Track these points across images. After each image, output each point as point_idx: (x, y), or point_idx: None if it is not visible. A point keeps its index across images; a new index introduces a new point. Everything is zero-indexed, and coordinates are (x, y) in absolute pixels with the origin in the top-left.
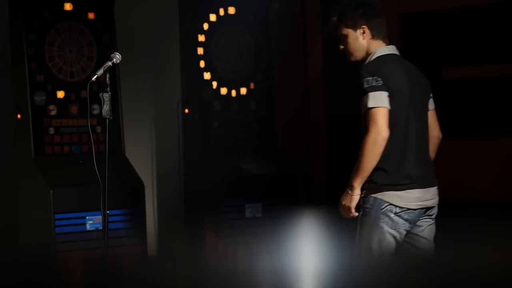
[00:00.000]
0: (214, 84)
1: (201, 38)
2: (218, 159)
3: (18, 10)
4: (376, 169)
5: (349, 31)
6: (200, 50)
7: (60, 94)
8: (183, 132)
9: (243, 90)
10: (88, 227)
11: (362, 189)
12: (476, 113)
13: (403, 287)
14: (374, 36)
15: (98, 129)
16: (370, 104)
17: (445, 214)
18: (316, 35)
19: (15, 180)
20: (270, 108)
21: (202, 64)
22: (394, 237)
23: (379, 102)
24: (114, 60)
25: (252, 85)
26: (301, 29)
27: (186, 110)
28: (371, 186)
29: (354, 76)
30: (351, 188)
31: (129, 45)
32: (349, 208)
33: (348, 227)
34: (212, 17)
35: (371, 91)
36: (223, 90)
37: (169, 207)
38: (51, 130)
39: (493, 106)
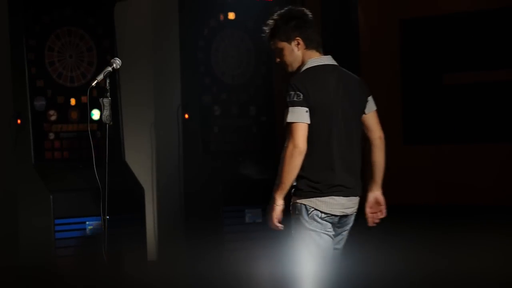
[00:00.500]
0: (214, 89)
1: (201, 43)
2: (218, 164)
3: (18, 15)
4: (302, 177)
5: (284, 44)
6: (200, 55)
7: (60, 99)
8: (183, 137)
9: (243, 95)
10: (88, 232)
11: (290, 197)
12: (476, 118)
13: None
14: (307, 46)
15: (98, 134)
16: (288, 119)
17: (445, 217)
18: None
19: (15, 185)
20: (270, 113)
21: (202, 69)
22: (325, 240)
23: (298, 117)
24: (114, 65)
25: (252, 90)
26: None
27: (186, 115)
28: (297, 193)
29: None
30: (273, 199)
31: (129, 50)
32: (271, 218)
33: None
34: (212, 22)
35: (291, 106)
36: (223, 95)
37: (169, 212)
38: (51, 135)
39: (493, 112)
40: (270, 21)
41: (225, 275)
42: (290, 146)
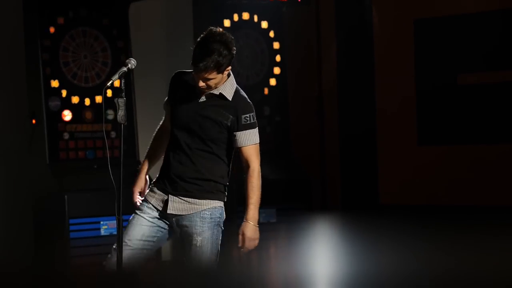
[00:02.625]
0: None
1: None
2: (231, 164)
3: (33, 16)
4: (223, 182)
5: (219, 75)
6: None
7: (75, 99)
8: None
9: (257, 96)
10: (102, 232)
11: (206, 200)
12: (490, 118)
13: None
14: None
15: (113, 134)
16: (258, 139)
17: (459, 218)
18: (330, 41)
19: (30, 185)
20: (284, 113)
21: None
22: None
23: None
24: (129, 65)
25: (266, 91)
26: (315, 34)
27: None
28: (221, 197)
29: (368, 83)
30: (258, 221)
31: (144, 50)
32: (257, 239)
33: (361, 232)
34: (226, 23)
35: (256, 127)
36: None
37: None
38: (66, 135)
39: (508, 112)
40: (215, 56)
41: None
42: (259, 165)
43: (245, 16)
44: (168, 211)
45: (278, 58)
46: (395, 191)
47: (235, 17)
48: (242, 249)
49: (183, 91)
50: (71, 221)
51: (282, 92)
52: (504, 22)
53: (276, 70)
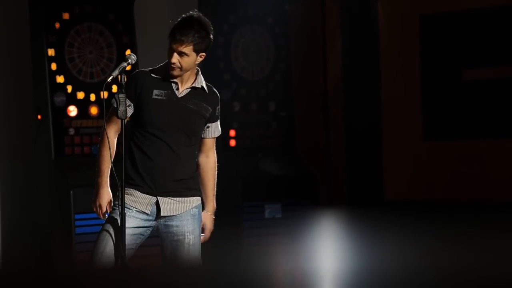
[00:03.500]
0: (234, 85)
1: (221, 39)
2: (237, 160)
3: (39, 11)
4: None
5: (193, 54)
6: (219, 51)
7: (80, 95)
8: None
9: (263, 91)
10: None
11: (193, 197)
12: (496, 114)
13: None
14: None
15: None
16: (220, 131)
17: (465, 213)
18: (335, 36)
19: (35, 181)
20: (290, 109)
21: (221, 65)
22: None
23: None
24: (130, 60)
25: (271, 86)
26: (321, 30)
27: None
28: (200, 192)
29: (373, 78)
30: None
31: (149, 46)
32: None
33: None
34: (232, 18)
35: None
36: (243, 91)
37: None
38: (71, 131)
39: None
40: (202, 32)
41: (244, 270)
42: None
43: (250, 11)
44: (162, 214)
45: (283, 53)
46: (400, 187)
47: (240, 13)
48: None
49: (156, 90)
50: (77, 216)
51: (288, 87)
52: (510, 18)
53: (282, 66)
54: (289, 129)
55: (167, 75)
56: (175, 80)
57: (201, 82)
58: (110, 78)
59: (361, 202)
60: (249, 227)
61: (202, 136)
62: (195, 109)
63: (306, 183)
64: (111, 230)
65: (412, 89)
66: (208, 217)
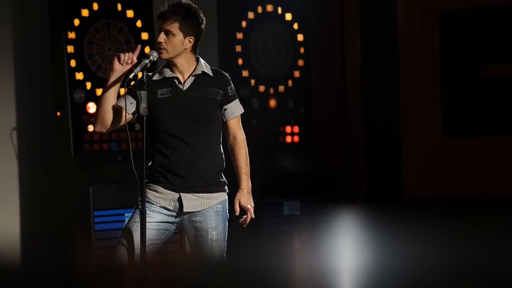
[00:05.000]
0: (252, 81)
1: (239, 35)
2: (256, 156)
3: (58, 8)
4: (223, 171)
5: (180, 34)
6: (238, 48)
7: (99, 91)
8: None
9: (281, 88)
10: None
11: (217, 193)
12: None
13: None
14: (195, 52)
15: (137, 126)
16: (242, 109)
17: (484, 210)
18: (354, 32)
19: (55, 177)
20: (308, 105)
21: (240, 61)
22: None
23: None
24: (151, 57)
25: (290, 83)
26: (339, 26)
27: None
28: (225, 187)
29: (392, 75)
30: (252, 190)
31: None
32: (252, 207)
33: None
34: (251, 15)
35: (238, 97)
36: (261, 88)
37: None
38: (90, 128)
39: None
40: (192, 9)
41: (263, 267)
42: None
43: (269, 8)
44: (185, 210)
45: (302, 50)
46: (419, 184)
47: (259, 9)
48: (241, 220)
49: (160, 90)
50: (96, 213)
51: (306, 84)
52: None
53: (300, 62)
54: (308, 126)
55: (167, 72)
56: (175, 74)
57: (202, 67)
58: (132, 74)
59: (379, 199)
60: (267, 224)
61: (224, 119)
62: (203, 97)
63: (324, 180)
64: (134, 227)
65: (432, 86)
66: (243, 195)
